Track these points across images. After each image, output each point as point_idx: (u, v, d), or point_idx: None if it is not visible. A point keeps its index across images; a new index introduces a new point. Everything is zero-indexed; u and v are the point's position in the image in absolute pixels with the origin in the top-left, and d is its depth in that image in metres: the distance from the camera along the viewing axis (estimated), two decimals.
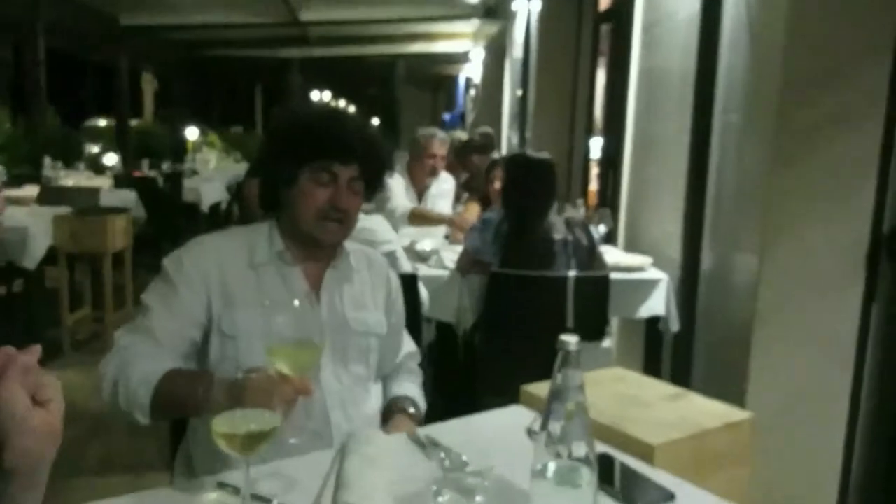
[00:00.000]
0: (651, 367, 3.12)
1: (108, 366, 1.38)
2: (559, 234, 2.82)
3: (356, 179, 1.53)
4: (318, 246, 1.55)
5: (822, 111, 2.37)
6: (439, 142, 3.98)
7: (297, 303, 1.44)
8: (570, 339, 0.99)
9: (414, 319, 2.14)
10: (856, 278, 2.46)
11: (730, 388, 2.50)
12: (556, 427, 1.00)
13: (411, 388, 1.71)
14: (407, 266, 2.72)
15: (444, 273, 3.08)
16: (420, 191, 4.02)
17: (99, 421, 3.37)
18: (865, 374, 2.49)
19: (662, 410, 1.43)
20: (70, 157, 7.34)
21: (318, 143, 1.51)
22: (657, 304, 3.06)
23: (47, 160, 6.42)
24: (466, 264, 2.94)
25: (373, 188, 1.61)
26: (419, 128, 4.18)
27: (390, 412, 1.62)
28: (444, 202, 4.11)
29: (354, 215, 1.56)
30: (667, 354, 3.16)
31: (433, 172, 3.99)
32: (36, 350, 0.73)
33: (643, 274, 3.15)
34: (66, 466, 3.10)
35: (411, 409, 1.62)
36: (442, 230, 3.93)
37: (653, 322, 3.15)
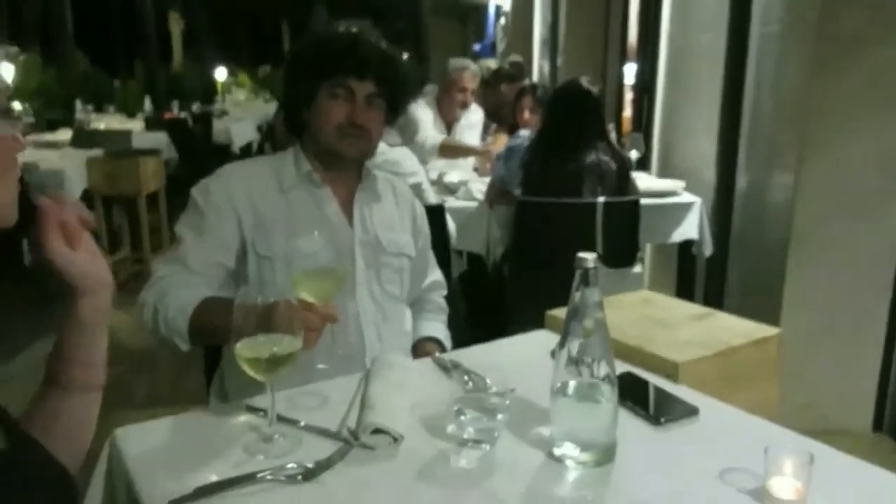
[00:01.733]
0: (684, 292, 3.09)
1: (147, 295, 1.42)
2: (588, 157, 2.74)
3: (375, 96, 1.52)
4: (341, 161, 1.55)
5: (862, 18, 2.25)
6: (470, 74, 3.90)
7: (316, 233, 1.45)
8: (588, 257, 0.97)
9: (443, 251, 2.14)
10: (894, 194, 2.37)
11: (764, 312, 2.46)
12: (574, 345, 1.00)
13: (438, 327, 1.73)
14: (433, 198, 2.71)
15: (473, 204, 3.05)
16: (449, 123, 3.96)
17: (144, 358, 3.48)
18: None
19: (688, 330, 1.41)
20: (101, 100, 7.39)
21: (333, 59, 1.50)
22: (690, 228, 3.01)
23: (79, 104, 6.47)
24: (494, 195, 2.90)
25: (394, 107, 1.59)
26: (450, 59, 4.09)
27: (416, 353, 1.64)
28: (473, 134, 4.06)
29: (375, 131, 1.55)
30: (700, 279, 3.12)
31: (463, 105, 3.93)
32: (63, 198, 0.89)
33: (676, 198, 3.09)
34: (113, 401, 3.20)
35: (437, 353, 1.63)
36: (471, 162, 3.89)
37: (686, 246, 3.10)
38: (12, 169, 0.82)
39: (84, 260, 0.87)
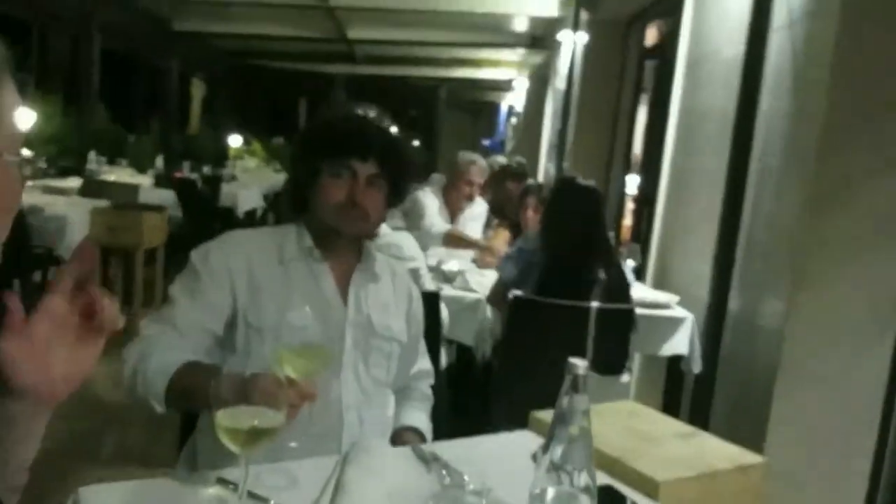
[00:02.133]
0: (670, 407, 3.07)
1: (130, 353, 1.42)
2: (601, 273, 2.77)
3: (376, 177, 1.55)
4: (340, 239, 1.57)
5: (861, 161, 2.34)
6: (478, 169, 3.99)
7: (308, 309, 1.46)
8: (579, 363, 0.98)
9: (433, 339, 2.14)
10: (885, 333, 2.39)
11: (748, 436, 2.44)
12: (557, 451, 0.99)
13: (421, 417, 1.71)
14: (430, 285, 2.72)
15: (468, 295, 3.07)
16: (453, 213, 4.03)
17: (117, 413, 3.41)
18: (891, 432, 2.42)
19: (672, 447, 1.40)
20: (115, 153, 7.51)
21: (336, 140, 1.55)
22: (681, 343, 3.02)
23: (92, 154, 6.58)
24: (500, 296, 2.86)
25: (397, 190, 1.62)
26: (459, 152, 4.19)
27: (396, 442, 1.61)
28: (475, 226, 4.13)
29: (375, 212, 1.57)
30: (686, 395, 3.10)
31: (469, 198, 4.00)
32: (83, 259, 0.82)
33: (668, 311, 3.11)
34: (80, 455, 3.15)
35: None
36: (470, 253, 3.93)
37: (675, 361, 3.10)
38: (14, 210, 0.80)
39: (33, 362, 0.78)
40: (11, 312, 0.79)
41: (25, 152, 0.80)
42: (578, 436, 0.97)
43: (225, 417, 1.04)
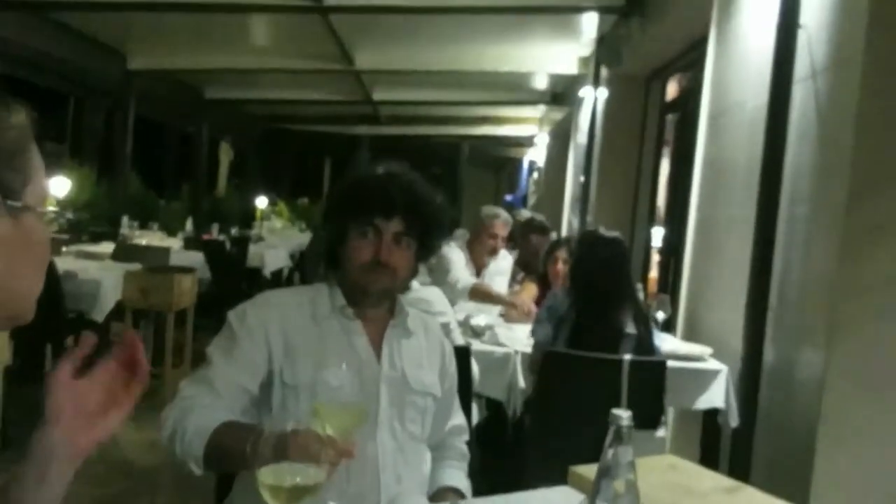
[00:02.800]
0: (708, 461, 2.99)
1: (169, 415, 1.44)
2: (629, 327, 2.76)
3: (402, 235, 1.57)
4: (367, 297, 1.58)
5: (892, 207, 2.32)
6: (502, 223, 4.02)
7: (344, 366, 1.48)
8: (623, 414, 0.97)
9: (465, 394, 2.13)
10: None
11: (791, 490, 2.37)
12: None
13: (460, 475, 1.69)
14: (460, 339, 2.72)
15: (497, 349, 3.06)
16: (479, 268, 4.04)
17: (149, 476, 3.40)
18: None
19: (717, 502, 1.37)
20: (147, 217, 7.69)
21: (361, 199, 1.57)
22: (716, 396, 2.96)
23: (125, 219, 6.74)
24: (538, 359, 2.82)
25: (426, 246, 1.63)
26: (483, 206, 4.23)
27: (435, 501, 1.60)
28: (501, 280, 4.14)
29: (402, 268, 1.59)
30: (724, 450, 3.02)
31: (493, 252, 4.03)
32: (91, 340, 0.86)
33: (702, 364, 3.06)
34: None
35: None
36: (498, 307, 3.93)
37: (711, 414, 3.03)
38: (46, 265, 0.85)
39: (78, 412, 0.83)
40: (69, 364, 0.84)
41: (51, 208, 0.83)
42: (625, 490, 0.96)
43: (267, 475, 1.04)
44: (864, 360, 2.35)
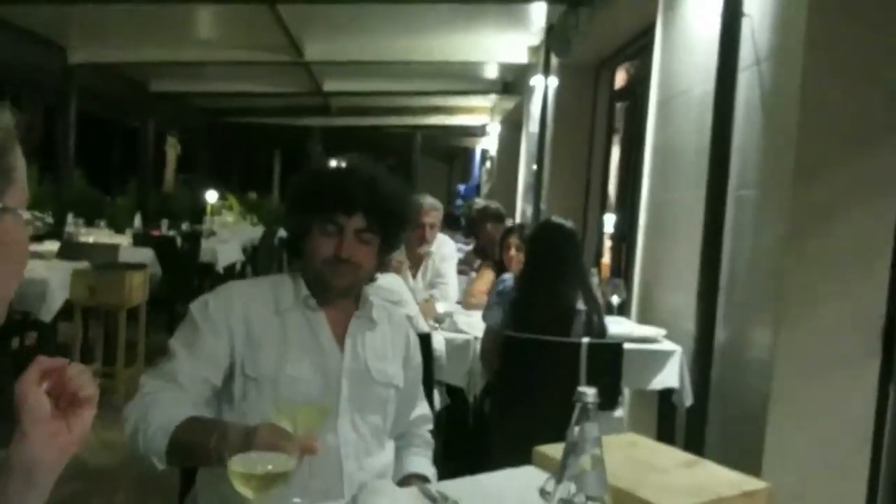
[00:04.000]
0: (664, 439, 3.06)
1: (131, 411, 1.42)
2: (579, 304, 2.82)
3: (364, 231, 1.57)
4: (330, 290, 1.59)
5: (838, 187, 2.41)
6: (427, 209, 3.81)
7: (308, 362, 1.48)
8: (588, 391, 1.00)
9: (427, 380, 2.14)
10: (872, 355, 2.44)
11: (744, 464, 2.44)
12: (571, 482, 1.00)
13: (425, 463, 1.71)
14: (425, 327, 2.73)
15: (458, 336, 3.08)
16: (416, 261, 3.86)
17: (103, 476, 3.34)
18: (884, 452, 2.45)
19: (677, 476, 1.41)
20: (93, 215, 7.48)
21: (322, 196, 1.57)
22: (670, 376, 3.04)
23: (70, 217, 6.55)
24: (492, 343, 2.85)
25: (389, 239, 1.64)
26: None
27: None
28: (449, 265, 4.06)
29: (366, 263, 1.59)
30: (680, 427, 3.11)
31: (422, 241, 3.81)
32: (62, 361, 0.85)
33: (656, 345, 3.14)
34: None
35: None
36: (455, 295, 3.95)
37: (666, 394, 3.11)
38: (24, 268, 0.82)
39: (48, 414, 0.83)
40: (35, 371, 0.83)
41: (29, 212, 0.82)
42: (592, 464, 0.99)
43: (238, 463, 1.04)
44: (811, 338, 2.44)
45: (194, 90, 10.69)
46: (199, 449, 1.27)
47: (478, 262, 4.36)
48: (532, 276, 2.88)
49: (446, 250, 4.07)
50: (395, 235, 1.66)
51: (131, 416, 1.40)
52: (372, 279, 1.70)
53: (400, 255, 3.52)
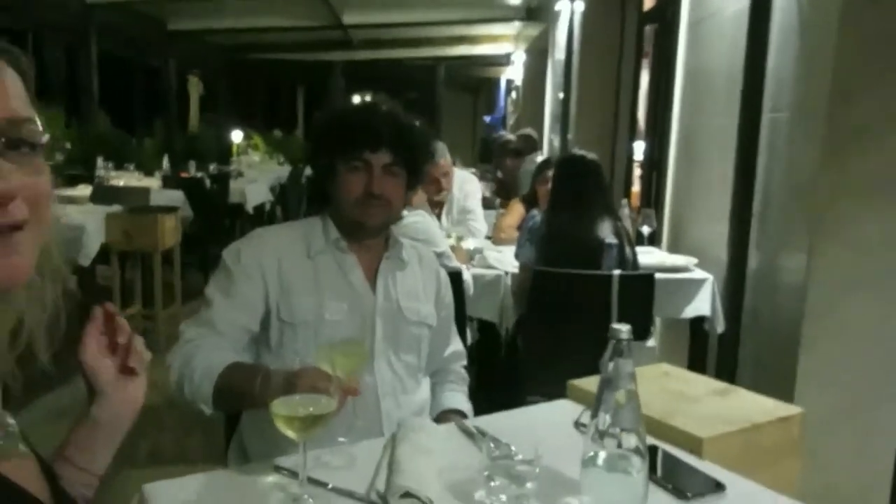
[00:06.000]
0: (696, 368, 3.09)
1: (174, 359, 1.45)
2: (609, 237, 2.80)
3: (391, 165, 1.57)
4: (364, 231, 1.60)
5: (873, 108, 2.34)
6: (433, 162, 3.71)
7: (346, 305, 1.50)
8: (622, 328, 1.00)
9: (459, 316, 2.16)
10: None
11: (777, 390, 2.45)
12: (606, 415, 1.01)
13: (461, 398, 1.74)
14: (455, 263, 2.74)
15: (488, 272, 3.09)
16: (437, 207, 3.74)
17: (149, 416, 3.45)
18: None
19: (710, 405, 1.43)
20: (121, 158, 7.53)
21: (347, 134, 1.57)
22: (702, 304, 3.04)
23: (99, 161, 6.61)
24: (526, 280, 2.85)
25: (415, 173, 1.64)
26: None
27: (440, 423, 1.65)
28: (474, 200, 4.03)
29: (395, 199, 1.60)
30: (712, 355, 3.13)
31: (439, 190, 3.69)
32: (107, 313, 0.91)
33: (688, 274, 3.13)
34: (117, 459, 3.16)
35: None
36: (484, 231, 3.94)
37: (697, 322, 3.12)
38: (40, 221, 0.72)
39: (116, 376, 0.90)
40: (93, 340, 0.89)
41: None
42: (626, 399, 1.00)
43: (281, 406, 1.07)
44: (846, 260, 2.41)
45: (212, 27, 10.55)
46: (243, 394, 1.30)
47: (498, 201, 4.27)
48: (557, 211, 2.87)
49: (469, 187, 4.04)
50: (420, 169, 1.66)
51: (175, 363, 1.44)
52: (400, 217, 1.70)
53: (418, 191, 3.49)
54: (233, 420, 1.70)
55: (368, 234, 1.61)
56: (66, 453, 0.89)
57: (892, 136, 2.34)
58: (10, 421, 0.77)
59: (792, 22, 2.63)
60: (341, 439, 1.33)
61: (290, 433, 1.07)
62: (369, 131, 1.56)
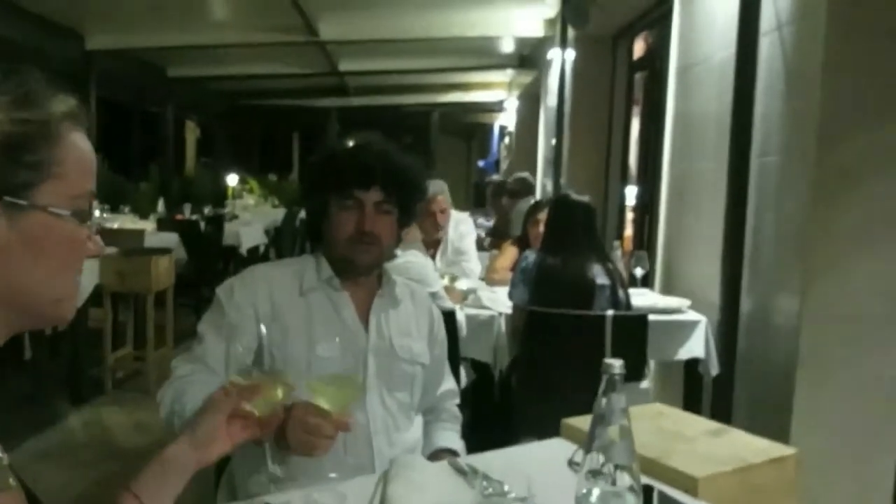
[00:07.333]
0: (691, 409, 3.05)
1: (165, 395, 1.45)
2: (600, 278, 2.82)
3: (383, 203, 1.58)
4: (355, 268, 1.60)
5: (861, 152, 2.38)
6: (431, 196, 3.66)
7: (338, 340, 1.50)
8: (615, 363, 1.01)
9: (453, 356, 2.16)
10: None
11: (772, 432, 2.44)
12: (599, 452, 1.01)
13: (454, 437, 1.73)
14: (448, 303, 2.75)
15: (482, 312, 3.09)
16: (433, 245, 3.83)
17: (139, 457, 3.41)
18: None
19: (705, 445, 1.42)
20: (118, 201, 7.57)
21: (339, 172, 1.59)
22: (696, 346, 3.03)
23: (95, 204, 6.63)
24: (519, 320, 2.86)
25: (406, 211, 1.65)
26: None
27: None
28: (468, 241, 4.06)
29: (386, 236, 1.60)
30: (706, 397, 3.11)
31: (436, 228, 3.81)
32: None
33: (681, 316, 3.13)
34: (105, 499, 3.11)
35: None
36: (478, 271, 3.95)
37: (692, 364, 3.11)
38: (74, 266, 0.83)
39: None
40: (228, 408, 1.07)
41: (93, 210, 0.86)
42: (620, 435, 1.00)
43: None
44: (838, 302, 2.42)
45: (211, 74, 10.70)
46: None
47: (488, 241, 4.28)
48: (549, 252, 2.89)
49: (464, 228, 4.07)
50: (412, 206, 1.68)
51: (165, 399, 1.44)
52: (393, 255, 1.71)
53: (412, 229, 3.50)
54: (223, 458, 1.68)
55: (360, 272, 1.62)
56: (130, 486, 0.98)
57: (880, 178, 2.38)
58: (1, 455, 0.77)
59: (778, 68, 2.69)
60: (332, 475, 1.32)
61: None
62: (360, 169, 1.57)
